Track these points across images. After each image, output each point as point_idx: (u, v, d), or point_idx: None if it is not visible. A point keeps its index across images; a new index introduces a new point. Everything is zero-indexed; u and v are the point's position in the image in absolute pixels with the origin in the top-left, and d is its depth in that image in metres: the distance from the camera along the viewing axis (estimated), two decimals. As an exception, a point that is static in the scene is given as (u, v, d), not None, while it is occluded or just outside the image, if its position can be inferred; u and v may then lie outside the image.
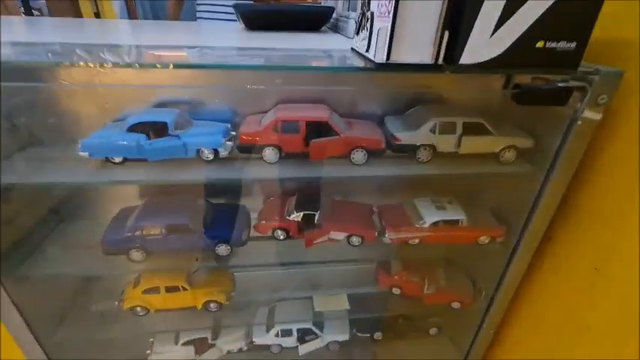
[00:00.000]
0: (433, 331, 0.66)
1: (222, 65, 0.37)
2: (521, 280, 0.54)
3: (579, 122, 0.39)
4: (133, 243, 0.45)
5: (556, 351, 0.53)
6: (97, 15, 3.54)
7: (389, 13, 0.33)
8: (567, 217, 0.48)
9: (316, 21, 0.71)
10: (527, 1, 0.33)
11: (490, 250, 0.52)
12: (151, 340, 0.62)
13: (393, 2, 0.32)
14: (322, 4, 0.83)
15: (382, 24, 0.33)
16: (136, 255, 0.45)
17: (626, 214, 0.41)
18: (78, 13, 3.44)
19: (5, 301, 0.44)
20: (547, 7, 0.33)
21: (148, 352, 0.61)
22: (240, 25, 0.71)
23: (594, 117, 0.38)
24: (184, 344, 0.60)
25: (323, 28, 0.72)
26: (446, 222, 0.49)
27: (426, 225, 0.49)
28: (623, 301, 0.43)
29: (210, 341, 0.61)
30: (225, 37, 0.62)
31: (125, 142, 0.39)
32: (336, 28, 0.72)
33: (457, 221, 0.49)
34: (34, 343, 0.49)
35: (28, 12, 2.26)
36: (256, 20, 0.66)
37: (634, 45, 0.39)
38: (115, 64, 0.33)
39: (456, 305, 0.57)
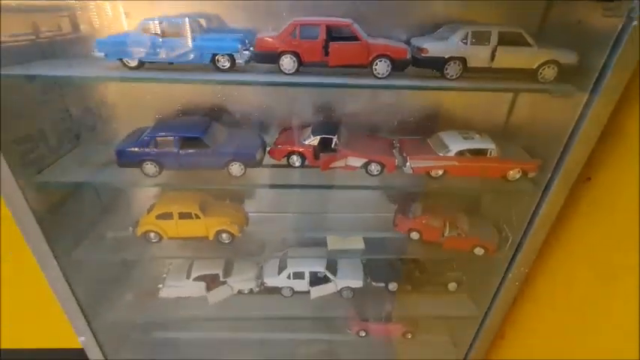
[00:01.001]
0: (452, 286, 0.62)
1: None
2: (551, 225, 0.50)
3: (634, 23, 0.34)
4: (147, 155, 0.44)
5: (590, 305, 0.48)
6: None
7: None
8: (611, 152, 0.44)
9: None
10: None
11: (520, 188, 0.48)
12: (164, 276, 0.62)
13: None
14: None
15: None
16: (149, 168, 0.45)
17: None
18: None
19: (23, 206, 0.44)
20: None
21: (160, 285, 0.61)
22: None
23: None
24: (196, 279, 0.60)
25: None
26: (473, 152, 0.45)
27: (452, 153, 0.45)
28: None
29: (221, 278, 0.60)
30: None
31: (140, 41, 0.39)
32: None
33: (485, 151, 0.45)
34: (50, 258, 0.49)
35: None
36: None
37: None
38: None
39: (479, 252, 0.53)
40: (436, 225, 0.54)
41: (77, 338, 0.63)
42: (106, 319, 0.59)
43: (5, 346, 0.72)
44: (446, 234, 0.54)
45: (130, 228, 0.54)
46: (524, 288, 0.59)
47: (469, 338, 0.63)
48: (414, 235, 0.56)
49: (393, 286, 0.62)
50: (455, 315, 0.62)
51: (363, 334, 0.69)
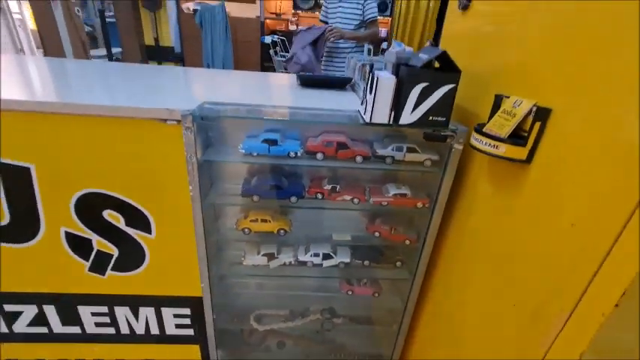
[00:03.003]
0: (398, 264, 1.15)
1: (300, 120, 0.91)
2: (439, 228, 1.03)
3: (454, 149, 0.90)
4: (255, 191, 0.98)
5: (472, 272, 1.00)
6: (157, 40, 4.33)
7: (373, 101, 0.86)
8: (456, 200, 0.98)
9: (342, 84, 1.27)
10: (426, 99, 0.85)
11: (422, 212, 1.02)
12: (243, 252, 1.15)
13: (373, 96, 0.85)
14: (344, 74, 1.39)
15: (369, 105, 0.87)
16: (255, 197, 0.99)
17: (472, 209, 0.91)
18: (141, 40, 4.22)
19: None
20: (432, 104, 0.85)
21: (243, 258, 1.13)
22: (297, 82, 1.27)
23: (458, 147, 0.89)
24: (262, 255, 1.12)
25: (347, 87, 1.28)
26: (399, 194, 1.00)
27: (390, 194, 1.00)
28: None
29: (275, 255, 1.12)
30: (288, 93, 1.18)
31: (261, 145, 0.94)
32: (352, 88, 1.28)
33: (405, 194, 1.00)
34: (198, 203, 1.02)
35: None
36: (307, 83, 1.23)
37: (466, 113, 0.90)
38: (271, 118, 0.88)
39: (407, 242, 1.07)
40: (386, 228, 1.08)
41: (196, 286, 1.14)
42: (214, 274, 1.11)
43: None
44: (392, 233, 1.07)
45: (234, 225, 1.08)
46: (431, 259, 1.11)
47: (407, 293, 1.15)
48: (376, 234, 1.09)
49: (366, 262, 1.14)
50: (398, 278, 1.14)
51: (350, 293, 1.21)
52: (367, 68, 0.96)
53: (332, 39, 2.06)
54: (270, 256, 1.11)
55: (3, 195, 0.97)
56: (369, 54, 2.54)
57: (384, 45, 4.53)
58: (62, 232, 1.04)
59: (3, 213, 1.00)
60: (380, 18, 2.49)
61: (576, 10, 0.60)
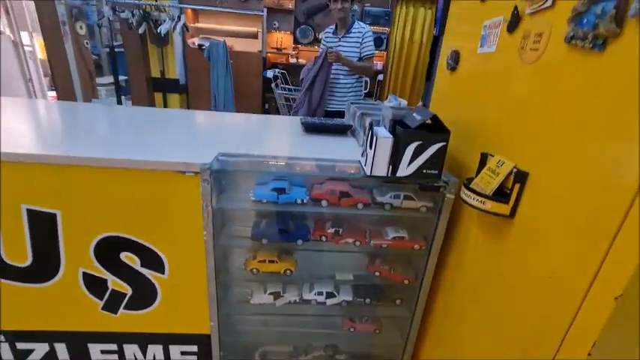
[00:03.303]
0: (398, 302, 1.21)
1: (306, 173, 1.00)
2: (435, 268, 1.11)
3: (446, 198, 0.99)
4: (264, 234, 1.06)
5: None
6: (163, 72, 4.52)
7: (373, 156, 0.95)
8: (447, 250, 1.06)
9: (343, 130, 1.37)
10: (420, 155, 0.95)
11: (419, 252, 1.10)
12: (250, 291, 1.20)
13: (373, 152, 0.95)
14: (345, 122, 1.50)
15: (369, 159, 0.97)
16: (264, 240, 1.06)
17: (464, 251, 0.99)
18: (148, 72, 4.40)
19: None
20: (425, 159, 0.94)
21: (250, 296, 1.19)
22: (301, 128, 1.38)
23: (450, 197, 0.98)
24: (269, 294, 1.18)
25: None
26: (398, 237, 1.08)
27: (389, 237, 1.08)
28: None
29: (281, 294, 1.18)
30: (294, 139, 1.28)
31: (271, 193, 1.02)
32: (352, 133, 1.38)
33: (403, 237, 1.08)
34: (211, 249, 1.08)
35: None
36: (311, 129, 1.33)
37: (458, 162, 1.00)
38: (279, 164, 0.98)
39: (406, 282, 1.13)
40: (386, 268, 1.15)
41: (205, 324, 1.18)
42: (222, 312, 1.16)
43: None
44: (391, 273, 1.14)
45: (242, 266, 1.14)
46: (429, 298, 1.18)
47: (407, 330, 1.20)
48: (377, 274, 1.16)
49: (367, 300, 1.20)
50: (399, 316, 1.20)
51: (352, 329, 1.26)
52: (367, 123, 1.06)
53: (330, 59, 2.24)
54: (276, 295, 1.17)
55: (28, 238, 1.04)
56: (365, 87, 2.71)
57: (380, 77, 4.74)
58: (80, 273, 1.10)
59: (26, 254, 1.06)
60: (376, 52, 2.66)
61: (545, 85, 0.71)
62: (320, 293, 1.17)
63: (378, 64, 4.55)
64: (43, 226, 1.02)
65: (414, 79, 4.68)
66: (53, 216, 1.02)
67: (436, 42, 4.30)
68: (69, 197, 1.00)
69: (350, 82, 2.50)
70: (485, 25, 0.93)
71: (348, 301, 1.17)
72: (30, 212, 1.01)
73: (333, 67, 2.40)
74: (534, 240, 0.72)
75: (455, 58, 1.10)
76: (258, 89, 4.14)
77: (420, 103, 1.14)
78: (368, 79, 2.72)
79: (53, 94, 4.91)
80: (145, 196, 1.01)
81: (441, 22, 1.15)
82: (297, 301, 1.17)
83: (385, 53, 4.51)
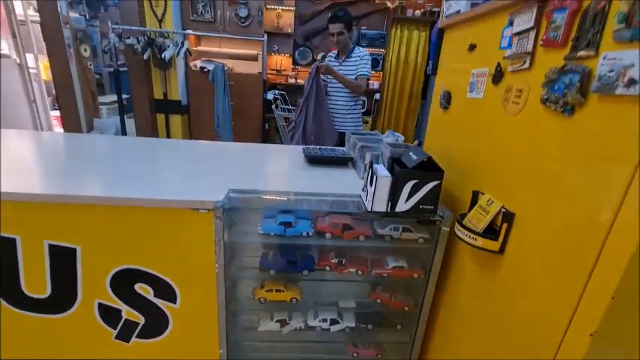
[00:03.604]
0: (399, 327, 1.27)
1: (311, 209, 1.08)
2: (433, 296, 1.17)
3: (442, 231, 1.06)
4: (272, 266, 1.12)
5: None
6: (165, 94, 4.63)
7: (373, 193, 1.03)
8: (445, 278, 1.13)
9: (344, 162, 1.45)
10: (417, 192, 1.03)
11: (418, 281, 1.16)
12: (258, 317, 1.26)
13: (373, 189, 1.02)
14: (345, 153, 1.59)
15: (370, 196, 1.04)
16: (271, 271, 1.12)
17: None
18: (151, 93, 4.51)
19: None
20: (422, 195, 1.02)
21: (257, 324, 1.24)
22: (304, 159, 1.46)
23: (446, 230, 1.06)
24: (275, 321, 1.23)
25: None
26: (397, 266, 1.15)
27: (389, 267, 1.15)
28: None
29: (287, 321, 1.24)
30: (298, 171, 1.36)
31: (278, 227, 1.09)
32: (353, 165, 1.46)
33: (402, 266, 1.15)
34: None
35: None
36: (314, 160, 1.41)
37: (452, 197, 1.07)
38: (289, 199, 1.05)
39: (406, 308, 1.20)
40: (387, 296, 1.21)
41: (214, 351, 1.23)
42: (230, 339, 1.21)
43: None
44: (392, 300, 1.20)
45: (251, 295, 1.20)
46: (429, 323, 1.23)
47: (408, 354, 1.25)
48: (378, 301, 1.22)
49: (370, 326, 1.26)
50: (400, 342, 1.25)
51: (355, 355, 1.31)
52: (367, 159, 1.15)
53: (320, 72, 2.40)
54: (283, 322, 1.22)
55: (48, 272, 1.10)
56: (363, 106, 2.83)
57: (377, 96, 4.88)
58: (95, 304, 1.16)
59: (45, 287, 1.12)
60: (372, 72, 2.78)
61: (527, 136, 0.79)
62: (324, 320, 1.22)
63: (375, 84, 4.69)
64: (63, 260, 1.09)
65: (410, 97, 4.83)
66: (73, 250, 1.08)
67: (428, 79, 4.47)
68: (89, 233, 1.07)
69: (349, 104, 2.60)
70: (473, 73, 1.03)
71: (351, 327, 1.23)
72: (51, 247, 1.07)
73: (333, 89, 2.52)
74: (522, 276, 0.79)
75: (447, 99, 1.19)
76: (259, 109, 4.24)
77: (416, 142, 1.23)
78: (364, 99, 2.82)
79: (55, 113, 5.02)
80: (161, 230, 1.08)
81: (433, 61, 1.25)
82: (303, 327, 1.23)
83: (381, 73, 4.66)
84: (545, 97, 0.70)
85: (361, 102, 2.72)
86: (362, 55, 2.47)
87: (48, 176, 1.22)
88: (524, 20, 0.76)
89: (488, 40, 0.94)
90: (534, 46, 0.74)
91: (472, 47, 1.04)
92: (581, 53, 0.61)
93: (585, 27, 0.61)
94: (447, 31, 1.24)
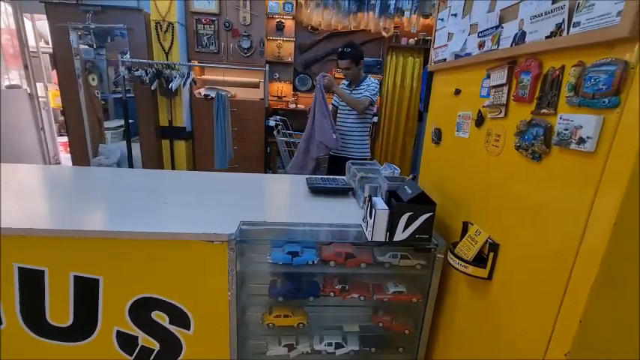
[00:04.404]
0: (400, 349, 1.34)
1: (316, 240, 1.18)
2: (432, 319, 1.24)
3: (437, 257, 1.16)
4: (280, 293, 1.20)
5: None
6: (171, 122, 4.79)
7: (373, 225, 1.13)
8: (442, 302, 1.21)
9: (345, 192, 1.56)
10: (412, 223, 1.13)
11: (417, 304, 1.24)
12: (266, 342, 1.32)
13: (373, 221, 1.12)
14: (345, 183, 1.70)
15: (369, 227, 1.14)
16: (279, 298, 1.21)
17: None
18: (157, 120, 4.66)
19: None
20: (417, 226, 1.12)
21: (266, 349, 1.31)
22: (307, 189, 1.56)
23: (440, 257, 1.15)
24: (283, 346, 1.30)
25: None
26: (397, 291, 1.23)
27: (390, 292, 1.23)
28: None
29: (294, 346, 1.31)
30: (302, 202, 1.46)
31: (286, 256, 1.18)
32: (354, 195, 1.57)
33: (402, 291, 1.23)
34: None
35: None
36: (316, 191, 1.51)
37: (445, 225, 1.17)
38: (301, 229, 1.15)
39: (407, 331, 1.27)
40: (388, 319, 1.29)
41: (225, 376, 1.29)
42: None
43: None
44: (393, 323, 1.28)
45: (260, 320, 1.27)
46: (429, 345, 1.30)
47: (410, 377, 1.31)
48: (380, 324, 1.30)
49: (373, 349, 1.33)
50: (402, 363, 1.32)
51: (360, 377, 1.37)
52: (366, 192, 1.25)
53: (324, 81, 2.47)
54: (290, 347, 1.29)
55: (72, 301, 1.18)
56: (370, 133, 2.91)
57: (375, 119, 5.05)
58: (114, 331, 1.23)
59: (68, 316, 1.20)
60: (376, 98, 2.89)
61: (506, 175, 0.90)
62: (329, 344, 1.29)
63: (374, 109, 4.88)
64: (86, 290, 1.17)
65: (407, 120, 5.00)
66: (96, 281, 1.16)
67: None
68: (111, 264, 1.16)
69: (357, 127, 2.67)
70: (459, 115, 1.15)
71: (355, 351, 1.29)
72: (76, 278, 1.16)
73: (342, 112, 2.63)
74: (508, 301, 0.88)
75: (438, 135, 1.31)
76: (260, 134, 4.40)
77: (411, 176, 1.34)
78: (372, 122, 2.90)
79: (62, 139, 5.18)
80: (177, 260, 1.17)
81: (424, 100, 1.37)
82: (309, 352, 1.29)
83: (379, 98, 4.85)
84: (518, 144, 0.81)
85: (368, 127, 2.76)
86: (370, 82, 2.60)
87: (74, 212, 1.32)
88: (499, 77, 0.89)
89: (471, 88, 1.06)
90: (507, 100, 0.87)
91: (457, 92, 1.17)
92: (544, 111, 0.73)
93: (546, 89, 0.73)
94: (435, 73, 1.38)
